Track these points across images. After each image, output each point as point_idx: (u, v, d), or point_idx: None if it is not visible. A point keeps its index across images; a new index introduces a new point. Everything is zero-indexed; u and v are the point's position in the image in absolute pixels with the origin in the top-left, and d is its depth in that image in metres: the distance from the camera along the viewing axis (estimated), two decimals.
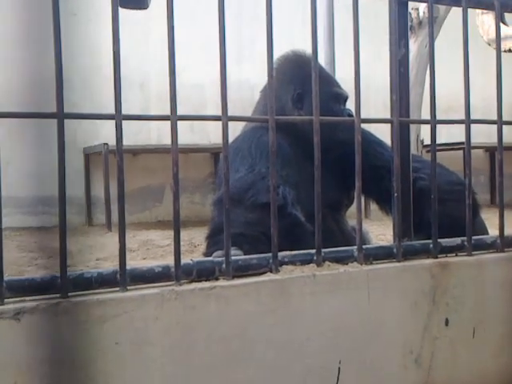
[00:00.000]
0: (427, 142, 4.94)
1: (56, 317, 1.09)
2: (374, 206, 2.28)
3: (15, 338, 1.06)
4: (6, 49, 5.23)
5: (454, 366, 1.46)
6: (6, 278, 1.11)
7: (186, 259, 1.25)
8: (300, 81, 2.14)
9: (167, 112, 1.22)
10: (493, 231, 1.80)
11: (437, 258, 1.47)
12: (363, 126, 1.45)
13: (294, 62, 2.23)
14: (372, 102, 6.16)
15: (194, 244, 3.58)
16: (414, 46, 4.44)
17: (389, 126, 1.49)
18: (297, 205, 1.77)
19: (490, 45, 4.47)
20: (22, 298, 1.10)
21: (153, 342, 1.16)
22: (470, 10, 1.56)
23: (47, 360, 1.08)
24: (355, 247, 1.40)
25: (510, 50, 4.35)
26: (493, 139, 1.76)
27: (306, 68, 1.64)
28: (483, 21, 4.49)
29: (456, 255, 1.51)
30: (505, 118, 1.59)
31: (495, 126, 1.60)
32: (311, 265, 1.34)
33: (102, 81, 5.50)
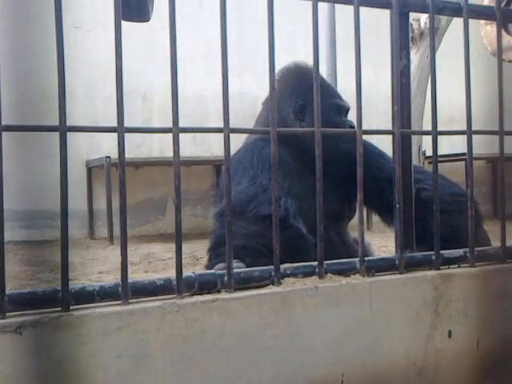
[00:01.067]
0: (429, 153, 4.94)
1: (58, 330, 1.08)
2: (375, 218, 2.28)
3: (17, 352, 1.06)
4: (7, 61, 5.25)
5: (458, 379, 1.45)
6: (7, 291, 1.10)
7: (187, 272, 1.25)
8: (302, 92, 2.15)
9: (170, 124, 1.23)
10: (495, 242, 1.80)
11: (439, 269, 1.46)
12: (365, 137, 1.45)
13: (296, 73, 2.24)
14: (374, 113, 6.18)
15: (196, 257, 3.57)
16: (416, 56, 4.45)
17: (390, 137, 1.49)
18: (299, 217, 1.77)
19: (494, 55, 4.46)
20: (24, 312, 1.10)
21: (155, 355, 1.15)
22: (473, 20, 1.57)
23: (49, 374, 1.07)
24: (357, 259, 1.40)
25: None
26: (494, 150, 1.76)
27: (308, 79, 1.64)
28: (487, 31, 4.49)
29: (459, 266, 1.50)
30: (507, 128, 1.60)
31: (497, 137, 1.60)
32: (313, 277, 1.34)
33: (105, 93, 5.53)
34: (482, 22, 4.20)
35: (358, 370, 1.33)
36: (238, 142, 2.04)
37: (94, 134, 5.51)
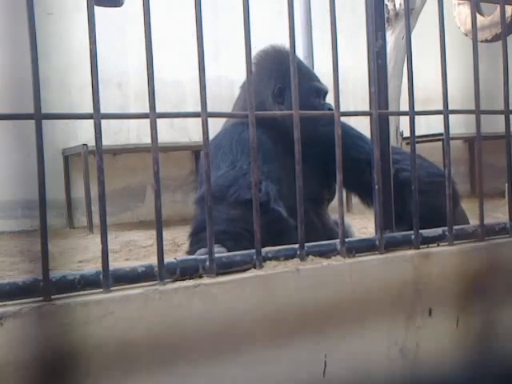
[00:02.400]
0: (406, 134, 4.97)
1: (39, 320, 1.07)
2: (355, 200, 2.29)
3: None
4: None
5: (438, 356, 1.47)
6: None
7: (169, 258, 1.24)
8: (280, 75, 2.14)
9: (146, 110, 1.22)
10: (474, 221, 1.82)
11: (419, 248, 1.48)
12: (343, 119, 1.45)
13: (274, 56, 2.23)
14: (350, 96, 6.19)
15: (177, 243, 3.56)
16: (391, 38, 4.46)
17: (368, 118, 1.49)
18: (279, 200, 1.78)
19: (467, 35, 4.50)
20: (4, 303, 1.09)
21: (138, 342, 1.15)
22: (446, 0, 1.57)
23: (32, 364, 1.07)
24: (338, 241, 1.40)
25: (486, 40, 4.38)
26: (471, 130, 1.78)
27: (286, 62, 1.63)
28: (460, 11, 4.52)
29: (438, 245, 1.52)
30: (484, 106, 1.61)
31: (473, 117, 1.61)
32: (295, 259, 1.34)
33: (79, 81, 5.46)
34: (454, 2, 4.22)
35: (340, 351, 1.35)
36: (216, 126, 2.04)
37: (69, 122, 5.44)
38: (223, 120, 2.28)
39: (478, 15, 3.81)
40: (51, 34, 5.36)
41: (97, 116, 1.17)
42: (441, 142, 5.71)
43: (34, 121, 1.11)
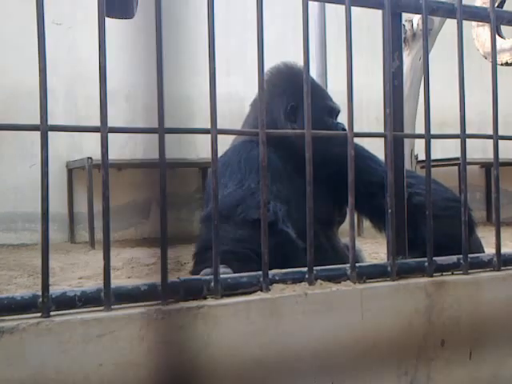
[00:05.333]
0: (421, 157, 4.93)
1: (37, 337, 1.05)
2: (366, 223, 2.24)
3: None
4: None
5: None
6: None
7: (172, 277, 1.21)
8: (293, 93, 2.11)
9: (154, 125, 1.19)
10: (489, 249, 1.77)
11: (432, 276, 1.43)
12: (356, 140, 1.42)
13: (286, 74, 2.20)
14: (364, 116, 6.17)
15: (181, 262, 3.51)
16: (408, 58, 4.44)
17: (382, 140, 1.46)
18: (288, 221, 1.74)
19: (486, 58, 4.46)
20: (2, 318, 1.06)
21: (138, 363, 1.12)
22: (465, 22, 1.54)
23: (28, 381, 1.03)
24: (348, 265, 1.36)
25: (506, 64, 4.33)
26: (488, 155, 1.74)
27: (299, 80, 1.61)
28: (479, 33, 4.48)
29: (452, 274, 1.48)
30: (500, 132, 1.57)
31: (491, 142, 1.57)
32: (303, 283, 1.31)
33: (86, 92, 5.46)
34: (473, 23, 4.19)
35: (348, 379, 1.30)
36: (224, 143, 2.00)
37: (74, 135, 5.39)
38: (232, 137, 2.25)
39: (497, 37, 3.78)
40: (59, 45, 5.38)
41: (104, 129, 1.14)
42: (456, 167, 5.63)
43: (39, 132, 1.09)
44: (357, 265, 1.37)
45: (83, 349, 1.07)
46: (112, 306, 1.14)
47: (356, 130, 1.38)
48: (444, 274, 1.46)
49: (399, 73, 1.58)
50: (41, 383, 1.04)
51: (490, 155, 1.58)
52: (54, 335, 1.06)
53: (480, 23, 4.03)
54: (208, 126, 1.23)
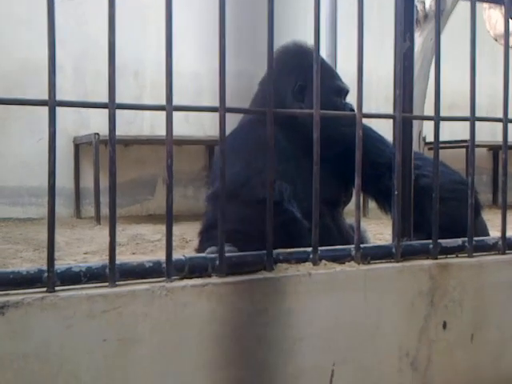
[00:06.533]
0: (429, 138, 4.89)
1: (42, 311, 1.05)
2: (372, 204, 2.24)
3: None
4: None
5: (451, 371, 1.42)
6: None
7: (177, 255, 1.21)
8: (302, 73, 2.09)
9: (162, 101, 1.18)
10: (494, 232, 1.77)
11: (436, 258, 1.43)
12: (364, 121, 1.41)
13: (295, 53, 2.18)
14: (373, 96, 6.12)
15: (186, 239, 3.53)
16: (419, 39, 4.39)
17: (390, 121, 1.45)
18: (293, 201, 1.73)
19: (496, 40, 4.41)
20: (7, 292, 1.07)
21: (142, 340, 1.13)
22: (477, 4, 1.52)
23: (32, 356, 1.04)
24: (353, 246, 1.36)
25: None
26: (496, 138, 1.73)
27: (308, 59, 1.59)
28: (490, 15, 4.42)
29: (456, 256, 1.47)
30: (510, 115, 1.55)
31: (499, 125, 1.56)
32: (307, 263, 1.31)
33: (94, 68, 5.43)
34: (484, 5, 4.13)
35: (349, 360, 1.31)
36: (232, 122, 1.99)
37: (81, 110, 5.38)
38: (239, 115, 2.23)
39: (510, 20, 3.73)
40: (68, 20, 5.34)
41: (112, 106, 1.14)
42: (464, 149, 5.58)
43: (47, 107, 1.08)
44: (361, 246, 1.37)
45: (88, 324, 1.08)
46: (117, 282, 1.14)
47: (364, 109, 1.37)
48: (448, 256, 1.46)
49: (410, 54, 1.56)
50: (44, 358, 1.05)
51: (498, 138, 1.57)
52: (59, 310, 1.06)
53: (491, 5, 3.98)
54: (215, 103, 1.22)
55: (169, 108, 1.18)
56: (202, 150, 6.06)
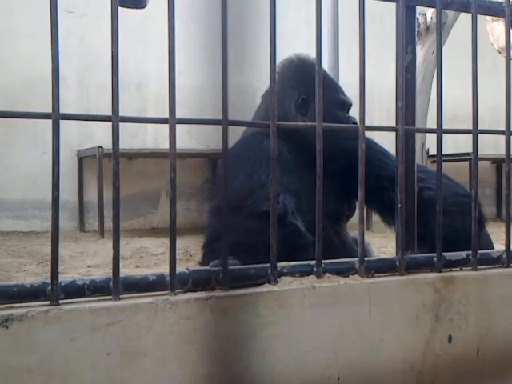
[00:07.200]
0: (432, 151, 4.89)
1: (46, 325, 1.05)
2: (375, 217, 2.23)
3: (3, 346, 1.02)
4: None
5: None
6: None
7: (181, 268, 1.21)
8: (304, 86, 2.10)
9: (165, 114, 1.18)
10: (498, 246, 1.76)
11: (441, 272, 1.43)
12: (367, 134, 1.41)
13: (298, 66, 2.19)
14: (376, 110, 6.13)
15: (190, 253, 3.51)
16: (421, 52, 4.41)
17: (393, 134, 1.45)
18: (297, 214, 1.73)
19: (500, 53, 4.43)
20: (11, 305, 1.06)
21: (145, 353, 1.12)
22: (479, 16, 1.52)
23: (35, 369, 1.04)
24: (356, 259, 1.36)
25: None
26: (499, 150, 1.73)
27: (311, 73, 1.60)
28: (493, 28, 4.44)
29: (461, 269, 1.47)
30: None
31: (502, 137, 1.56)
32: (311, 276, 1.30)
33: (97, 81, 5.46)
34: (487, 18, 4.15)
35: (354, 373, 1.30)
36: (234, 135, 2.00)
37: (85, 123, 5.36)
38: (242, 128, 2.24)
39: None
40: (71, 33, 5.37)
41: (115, 119, 1.14)
42: (467, 162, 5.58)
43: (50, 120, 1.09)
44: (365, 259, 1.37)
45: (91, 337, 1.08)
46: (120, 296, 1.14)
47: (367, 122, 1.38)
48: (453, 269, 1.46)
49: (412, 67, 1.57)
50: (48, 371, 1.05)
51: (502, 151, 1.56)
52: (63, 323, 1.06)
53: (495, 18, 3.99)
54: (218, 116, 1.22)
55: (172, 121, 1.18)
56: (205, 163, 6.07)
